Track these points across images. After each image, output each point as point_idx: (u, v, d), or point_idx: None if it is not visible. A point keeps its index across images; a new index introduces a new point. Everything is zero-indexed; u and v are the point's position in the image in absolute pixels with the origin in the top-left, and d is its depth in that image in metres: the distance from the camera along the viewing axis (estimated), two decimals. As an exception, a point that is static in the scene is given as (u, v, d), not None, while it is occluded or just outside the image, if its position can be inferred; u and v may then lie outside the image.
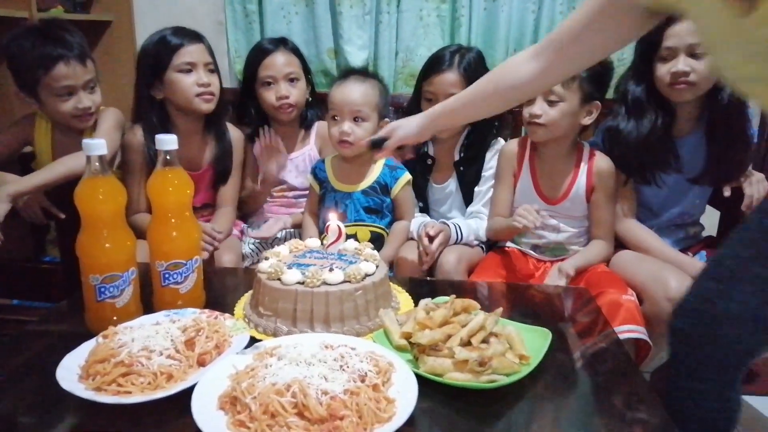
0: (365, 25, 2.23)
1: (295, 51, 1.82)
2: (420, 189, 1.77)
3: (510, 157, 1.64)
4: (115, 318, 1.01)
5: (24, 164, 1.69)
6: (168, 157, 1.06)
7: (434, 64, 1.66)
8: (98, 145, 0.97)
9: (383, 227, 1.64)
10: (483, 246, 1.71)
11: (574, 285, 1.44)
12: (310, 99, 1.84)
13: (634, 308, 1.36)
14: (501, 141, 1.73)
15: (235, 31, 2.30)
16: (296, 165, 1.84)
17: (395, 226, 1.64)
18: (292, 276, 1.04)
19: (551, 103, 1.48)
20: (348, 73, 1.64)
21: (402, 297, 1.20)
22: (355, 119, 1.56)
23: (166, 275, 1.07)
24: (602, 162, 1.57)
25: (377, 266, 1.12)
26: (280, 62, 1.76)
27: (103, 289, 1.00)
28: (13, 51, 1.52)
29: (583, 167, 1.57)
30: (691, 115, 1.54)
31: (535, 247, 1.64)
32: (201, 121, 1.71)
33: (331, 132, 1.59)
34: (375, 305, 1.07)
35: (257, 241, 1.75)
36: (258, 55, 1.78)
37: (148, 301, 1.10)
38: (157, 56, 1.61)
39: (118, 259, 1.01)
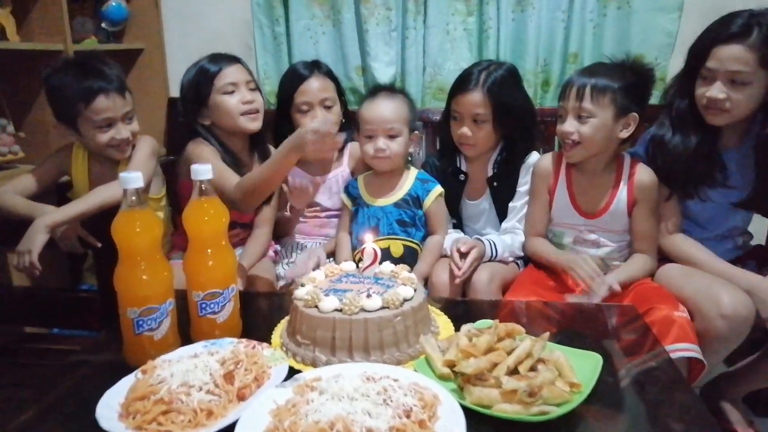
0: (392, 41, 2.23)
1: (329, 74, 1.82)
2: (453, 205, 1.74)
3: (544, 174, 1.60)
4: (153, 351, 1.00)
5: (61, 194, 1.72)
6: (203, 187, 1.06)
7: (461, 83, 1.64)
8: (134, 179, 0.97)
9: (417, 242, 1.62)
10: (518, 262, 1.66)
11: (619, 301, 1.38)
12: (344, 121, 1.83)
13: (687, 325, 1.30)
14: (535, 154, 1.70)
15: (264, 54, 2.32)
16: (329, 186, 1.84)
17: (428, 242, 1.62)
18: (329, 303, 1.02)
19: (582, 119, 1.44)
20: (376, 90, 1.65)
21: (441, 320, 1.17)
22: (389, 135, 1.57)
23: (203, 305, 1.06)
24: (645, 174, 1.52)
25: (415, 290, 1.09)
26: (315, 88, 1.76)
27: (140, 323, 1.00)
28: (54, 84, 1.55)
29: (624, 180, 1.52)
30: (736, 130, 1.48)
31: None
32: (246, 141, 1.74)
33: (365, 149, 1.60)
34: (415, 331, 1.04)
35: (289, 262, 1.74)
36: (293, 80, 1.78)
37: (185, 331, 1.09)
38: (199, 84, 1.65)
39: (155, 292, 1.00)
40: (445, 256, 1.61)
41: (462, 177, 1.73)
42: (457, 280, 1.49)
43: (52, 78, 1.55)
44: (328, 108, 1.76)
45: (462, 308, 1.31)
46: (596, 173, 1.53)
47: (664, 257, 1.55)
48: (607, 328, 1.20)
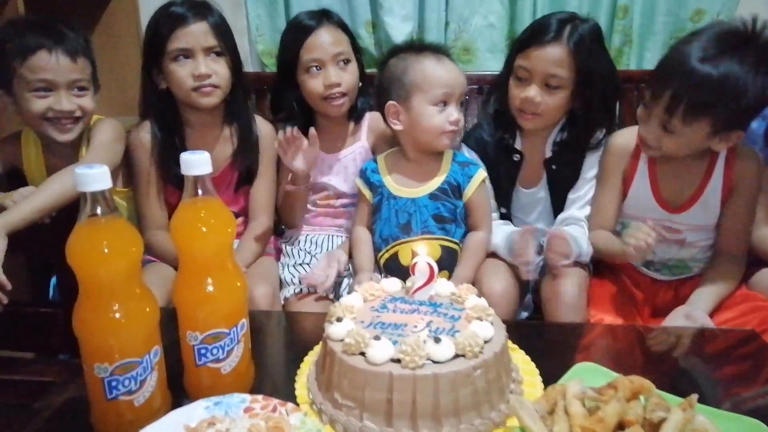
0: (409, -9, 1.88)
1: (342, 25, 1.46)
2: (504, 192, 1.42)
3: (621, 153, 1.29)
4: (133, 420, 0.70)
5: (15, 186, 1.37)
6: (198, 185, 0.74)
7: (535, 33, 1.29)
8: (97, 177, 0.66)
9: (456, 240, 1.31)
10: (590, 265, 1.36)
11: (732, 323, 1.11)
12: (361, 84, 1.49)
13: None
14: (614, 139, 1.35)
15: (256, 5, 1.95)
16: (345, 166, 1.50)
17: (470, 240, 1.31)
18: (382, 351, 0.73)
19: (668, 132, 1.13)
20: (422, 48, 1.31)
21: (517, 357, 0.89)
22: (461, 104, 1.29)
23: (203, 351, 0.76)
24: (748, 157, 1.22)
25: (492, 323, 0.81)
26: (326, 41, 1.40)
27: (115, 384, 0.69)
28: None
29: (720, 164, 1.22)
30: None
31: (648, 263, 1.30)
32: (218, 113, 1.40)
33: (436, 122, 1.24)
34: (498, 385, 0.76)
35: (296, 264, 1.43)
36: (297, 34, 1.42)
37: (175, 382, 0.79)
38: (156, 37, 1.30)
39: (134, 340, 0.70)
40: (493, 255, 1.31)
41: (516, 157, 1.41)
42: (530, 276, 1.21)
43: None
44: (342, 66, 1.42)
45: (534, 333, 1.03)
46: (685, 158, 1.23)
47: (754, 260, 1.27)
48: (728, 363, 0.93)
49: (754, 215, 1.25)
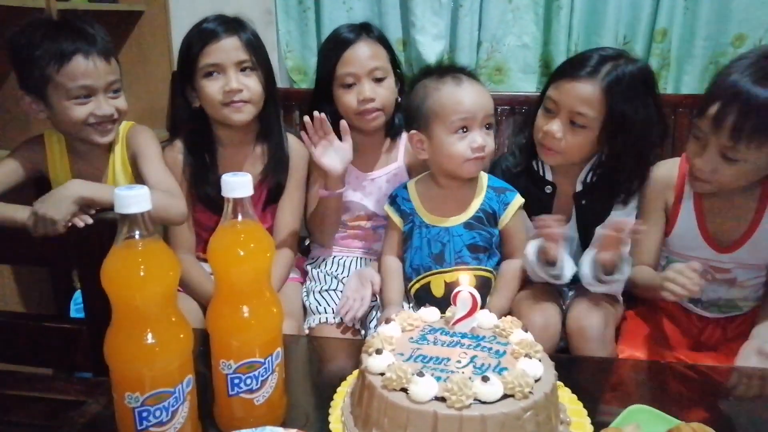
0: (441, 10, 1.86)
1: (381, 39, 1.43)
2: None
3: (665, 185, 1.22)
4: (163, 453, 0.67)
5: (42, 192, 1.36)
6: (238, 208, 0.71)
7: (572, 66, 1.24)
8: (136, 198, 0.63)
9: (490, 269, 1.27)
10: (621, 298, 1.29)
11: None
12: (400, 100, 1.45)
13: None
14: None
15: (287, 21, 1.95)
16: (378, 186, 1.46)
17: (506, 268, 1.26)
18: (425, 388, 0.69)
19: (728, 159, 1.06)
20: (443, 71, 1.25)
21: (563, 397, 0.84)
22: (488, 126, 1.21)
23: (236, 381, 0.73)
24: None
25: (541, 360, 0.76)
26: (363, 55, 1.38)
27: (146, 414, 0.66)
28: (20, 43, 1.18)
29: None
30: None
31: (696, 301, 1.24)
32: (250, 130, 1.37)
33: (458, 150, 1.18)
34: (548, 428, 0.71)
35: (323, 290, 1.38)
36: (336, 46, 1.40)
37: (205, 414, 0.76)
38: (188, 54, 1.30)
39: (167, 369, 0.67)
40: (528, 283, 1.26)
41: (549, 189, 1.33)
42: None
43: (18, 37, 1.18)
44: (378, 81, 1.39)
45: (576, 370, 0.98)
46: (734, 193, 1.16)
47: None
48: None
49: None
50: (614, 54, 1.21)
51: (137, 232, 0.64)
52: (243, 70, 1.30)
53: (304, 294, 1.37)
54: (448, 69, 1.26)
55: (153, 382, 0.66)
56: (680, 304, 1.23)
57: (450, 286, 1.24)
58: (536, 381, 0.72)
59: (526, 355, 0.75)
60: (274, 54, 1.99)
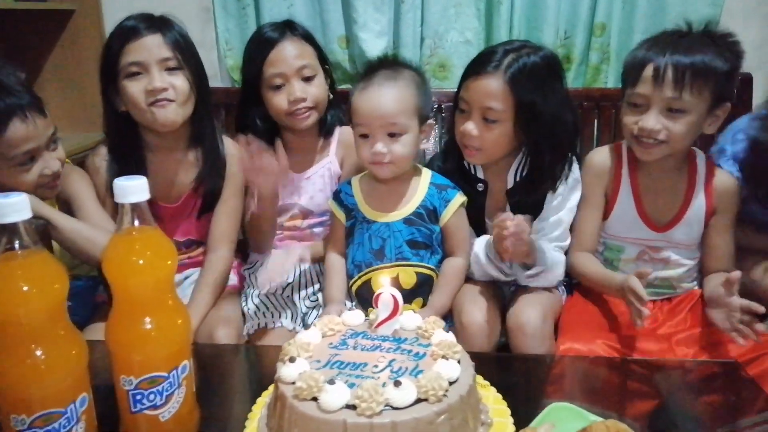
0: (383, 6, 1.85)
1: (307, 37, 1.39)
2: (472, 224, 1.31)
3: (601, 171, 1.25)
4: (58, 477, 0.63)
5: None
6: (135, 214, 0.67)
7: (476, 64, 1.23)
8: (16, 206, 0.59)
9: (432, 266, 1.25)
10: (561, 287, 1.30)
11: (714, 355, 1.06)
12: (331, 97, 1.42)
13: None
14: (572, 159, 1.27)
15: (226, 19, 1.90)
16: (312, 183, 1.43)
17: (447, 266, 1.25)
18: (335, 397, 0.66)
19: (673, 115, 1.12)
20: (372, 68, 1.22)
21: (487, 396, 0.83)
22: (391, 134, 1.16)
23: (138, 397, 0.69)
24: (726, 178, 1.22)
25: (459, 361, 0.74)
26: (290, 55, 1.34)
27: (35, 438, 0.62)
28: None
29: (700, 183, 1.21)
30: None
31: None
32: (181, 135, 1.30)
33: (361, 153, 1.19)
34: (464, 431, 0.70)
35: (261, 294, 1.33)
36: (260, 47, 1.36)
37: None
38: (109, 55, 1.22)
39: (58, 386, 0.62)
40: (470, 281, 1.24)
41: (480, 186, 1.32)
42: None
43: None
44: (307, 79, 1.35)
45: (505, 368, 0.97)
46: (668, 172, 1.21)
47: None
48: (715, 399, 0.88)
49: (733, 234, 1.23)
50: (518, 46, 1.22)
51: (17, 243, 0.60)
52: (168, 69, 1.23)
53: (243, 300, 1.33)
54: (375, 67, 1.22)
55: (42, 403, 0.61)
56: None
57: (390, 283, 1.22)
58: (452, 383, 0.70)
59: (444, 357, 0.73)
60: (214, 53, 1.95)
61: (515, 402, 0.81)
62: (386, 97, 1.15)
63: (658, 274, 1.23)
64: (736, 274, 1.03)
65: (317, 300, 1.32)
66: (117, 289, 0.69)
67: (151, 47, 1.21)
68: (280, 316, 1.25)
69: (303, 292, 1.35)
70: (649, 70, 1.11)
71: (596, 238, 1.26)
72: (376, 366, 0.73)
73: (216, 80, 1.95)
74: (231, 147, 1.35)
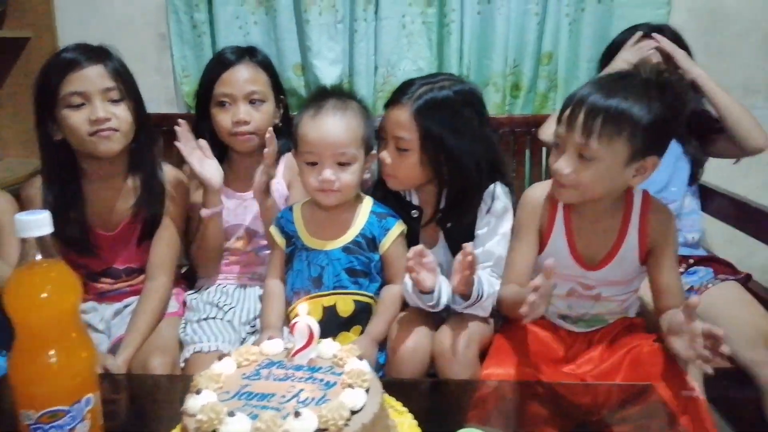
0: (338, 35, 1.87)
1: (264, 64, 1.45)
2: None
3: (536, 207, 1.21)
4: None
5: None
6: (38, 248, 0.68)
7: (393, 93, 1.28)
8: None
9: (371, 294, 1.26)
10: (494, 318, 1.29)
11: (615, 371, 1.07)
12: (281, 125, 1.45)
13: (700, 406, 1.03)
14: (499, 188, 1.30)
15: (181, 46, 1.92)
16: (256, 204, 1.42)
17: (385, 293, 1.26)
18: (236, 429, 0.67)
19: (584, 161, 1.06)
20: (319, 96, 1.24)
21: (402, 424, 0.83)
22: (340, 163, 1.18)
23: (37, 431, 0.69)
24: (661, 211, 1.18)
25: (368, 390, 0.75)
26: (241, 78, 1.39)
27: None
28: None
29: (634, 221, 1.16)
30: None
31: (564, 317, 1.25)
32: (119, 162, 1.31)
33: (308, 180, 1.21)
34: (367, 461, 0.70)
35: (200, 319, 1.32)
36: (216, 66, 1.42)
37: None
38: (45, 85, 1.23)
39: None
40: (407, 307, 1.25)
41: (415, 213, 1.34)
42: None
43: None
44: (254, 104, 1.40)
45: (429, 393, 0.98)
46: (600, 213, 1.17)
47: None
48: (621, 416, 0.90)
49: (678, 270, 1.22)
50: (438, 79, 1.26)
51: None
52: (111, 100, 1.25)
53: (182, 326, 1.33)
54: (323, 95, 1.25)
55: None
56: (550, 320, 1.26)
57: (327, 311, 1.23)
58: (356, 412, 0.71)
59: (350, 386, 0.74)
60: (170, 79, 1.96)
61: (431, 427, 0.82)
62: (337, 127, 1.18)
63: (590, 311, 1.22)
64: (696, 300, 0.99)
65: (256, 326, 1.32)
66: (18, 323, 0.69)
67: (94, 78, 1.23)
68: (216, 340, 1.25)
69: (244, 317, 1.35)
70: (567, 112, 1.08)
71: (528, 273, 1.21)
72: (283, 396, 0.74)
73: (172, 106, 1.97)
74: (171, 173, 1.37)
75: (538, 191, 1.24)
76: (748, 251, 1.94)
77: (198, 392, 0.73)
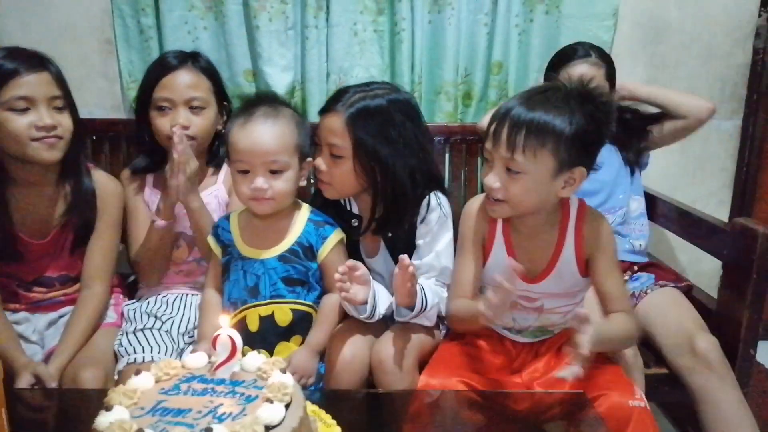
0: (288, 42, 1.86)
1: (207, 70, 1.42)
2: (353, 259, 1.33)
3: (476, 221, 1.20)
4: None
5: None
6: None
7: (328, 101, 1.28)
8: None
9: (310, 303, 1.24)
10: (441, 326, 1.30)
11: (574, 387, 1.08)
12: (224, 131, 1.42)
13: (647, 416, 1.03)
14: (438, 197, 1.28)
15: (128, 51, 1.87)
16: None
17: (325, 302, 1.24)
18: (143, 445, 0.64)
19: (512, 174, 1.06)
20: (250, 104, 1.22)
21: (330, 436, 0.82)
22: (272, 171, 1.17)
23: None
24: (596, 223, 1.17)
25: (288, 405, 0.74)
26: (182, 83, 1.37)
27: None
28: None
29: (570, 232, 1.16)
30: None
31: (509, 328, 1.25)
32: (51, 170, 1.28)
33: (240, 189, 1.18)
34: (285, 477, 0.69)
35: (137, 330, 1.29)
36: (157, 70, 1.40)
37: None
38: None
39: None
40: (347, 317, 1.24)
41: (355, 222, 1.33)
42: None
43: None
44: (194, 110, 1.37)
45: (365, 403, 0.97)
46: (537, 226, 1.17)
47: None
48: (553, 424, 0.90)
49: (622, 276, 1.21)
50: (372, 87, 1.26)
51: None
52: (56, 108, 1.22)
53: (119, 337, 1.29)
54: (254, 103, 1.23)
55: None
56: (495, 331, 1.25)
57: (265, 321, 1.21)
58: (273, 427, 0.69)
59: (269, 400, 0.73)
60: (117, 84, 1.92)
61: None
62: (268, 134, 1.16)
63: (533, 323, 1.22)
64: (584, 312, 0.98)
65: (194, 336, 1.29)
66: None
67: (40, 84, 1.21)
68: (152, 351, 1.21)
69: (183, 327, 1.32)
70: (493, 126, 1.08)
71: (474, 286, 1.21)
72: (199, 412, 0.72)
73: (119, 111, 1.92)
74: (104, 180, 1.35)
75: (476, 204, 1.23)
76: (696, 257, 2.00)
77: (108, 408, 0.70)
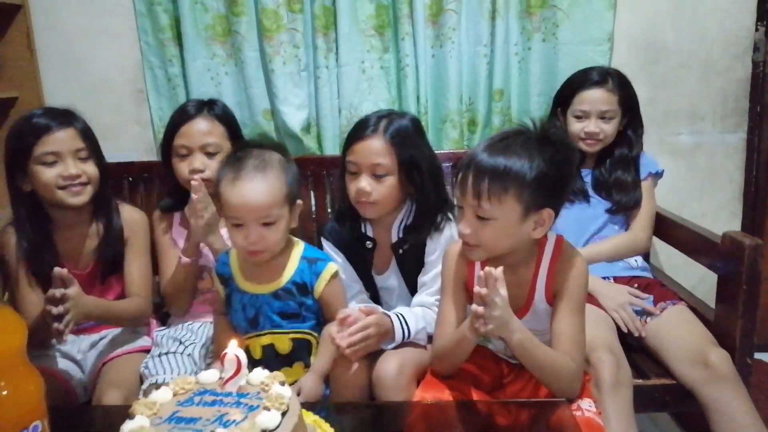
0: (302, 82, 2.01)
1: (222, 117, 1.57)
2: (365, 279, 1.47)
3: (456, 264, 1.22)
4: None
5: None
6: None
7: (357, 130, 1.40)
8: None
9: (308, 330, 1.31)
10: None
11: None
12: None
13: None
14: (448, 216, 1.42)
15: (158, 99, 2.06)
16: (225, 240, 1.52)
17: (326, 332, 1.29)
18: (157, 448, 0.76)
19: (481, 220, 1.09)
20: (240, 156, 1.24)
21: (326, 443, 0.92)
22: (265, 223, 1.22)
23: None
24: (569, 259, 1.16)
25: (284, 413, 0.84)
26: (197, 130, 1.53)
27: None
28: None
29: (544, 269, 1.17)
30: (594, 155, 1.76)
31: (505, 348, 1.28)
32: (85, 210, 1.46)
33: (235, 241, 1.25)
34: (281, 477, 0.79)
35: (162, 354, 1.42)
36: (176, 119, 1.57)
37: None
38: (18, 145, 1.38)
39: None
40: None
41: (369, 244, 1.47)
42: (346, 351, 1.17)
43: None
44: (210, 155, 1.52)
45: (364, 414, 1.06)
46: (514, 266, 1.16)
47: None
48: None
49: (581, 325, 1.16)
50: (386, 113, 1.42)
51: None
52: (80, 158, 1.40)
53: (145, 361, 1.40)
54: (241, 155, 1.24)
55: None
56: (488, 349, 1.29)
57: (266, 350, 1.29)
58: (269, 431, 0.80)
59: (266, 408, 0.83)
60: (149, 130, 2.10)
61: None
62: (258, 191, 1.19)
63: (513, 360, 1.24)
64: (484, 291, 1.01)
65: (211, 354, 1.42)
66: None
67: (66, 139, 1.39)
68: (173, 372, 1.34)
69: (203, 351, 1.44)
70: (459, 175, 1.11)
71: (457, 327, 1.18)
72: (208, 419, 0.83)
73: (151, 154, 2.10)
74: (131, 213, 1.53)
75: (457, 247, 1.23)
76: (698, 267, 2.01)
77: (131, 417, 0.82)
